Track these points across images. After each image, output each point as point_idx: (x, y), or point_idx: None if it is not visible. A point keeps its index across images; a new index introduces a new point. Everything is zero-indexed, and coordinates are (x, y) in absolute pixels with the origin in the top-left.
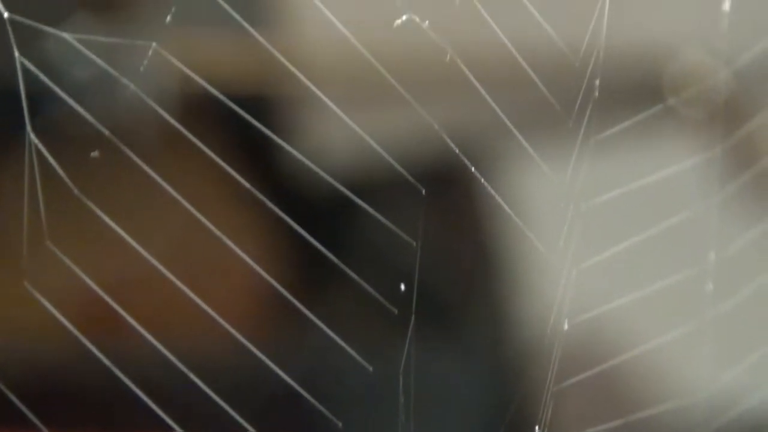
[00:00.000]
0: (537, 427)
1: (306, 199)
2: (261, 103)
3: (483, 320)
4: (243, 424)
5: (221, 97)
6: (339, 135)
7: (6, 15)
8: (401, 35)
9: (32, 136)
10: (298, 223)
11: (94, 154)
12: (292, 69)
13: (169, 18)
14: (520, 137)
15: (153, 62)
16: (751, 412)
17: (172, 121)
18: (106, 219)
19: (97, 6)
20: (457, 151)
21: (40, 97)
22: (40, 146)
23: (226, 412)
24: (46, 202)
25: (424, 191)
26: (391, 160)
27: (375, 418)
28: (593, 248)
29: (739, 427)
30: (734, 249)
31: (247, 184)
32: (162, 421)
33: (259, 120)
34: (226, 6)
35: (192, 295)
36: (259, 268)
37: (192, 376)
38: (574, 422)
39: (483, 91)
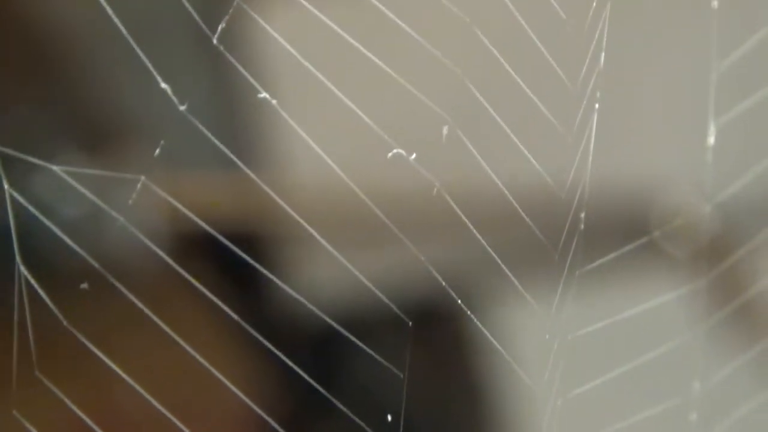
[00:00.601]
0: None
1: (294, 330)
2: (249, 237)
3: None
4: None
5: (210, 230)
6: (327, 268)
7: None
8: (389, 169)
9: (22, 267)
10: (286, 355)
11: (84, 285)
12: (281, 203)
13: (158, 152)
14: (506, 270)
15: (142, 196)
16: None
17: (161, 254)
18: (95, 350)
19: (87, 139)
20: (443, 283)
21: (29, 229)
22: (30, 278)
23: None
24: (36, 332)
25: (411, 323)
26: (378, 292)
27: None
28: (579, 378)
29: None
30: (718, 379)
31: (235, 317)
32: None
33: (247, 253)
34: (215, 141)
35: (182, 426)
36: (248, 400)
37: None
38: None
39: (469, 225)
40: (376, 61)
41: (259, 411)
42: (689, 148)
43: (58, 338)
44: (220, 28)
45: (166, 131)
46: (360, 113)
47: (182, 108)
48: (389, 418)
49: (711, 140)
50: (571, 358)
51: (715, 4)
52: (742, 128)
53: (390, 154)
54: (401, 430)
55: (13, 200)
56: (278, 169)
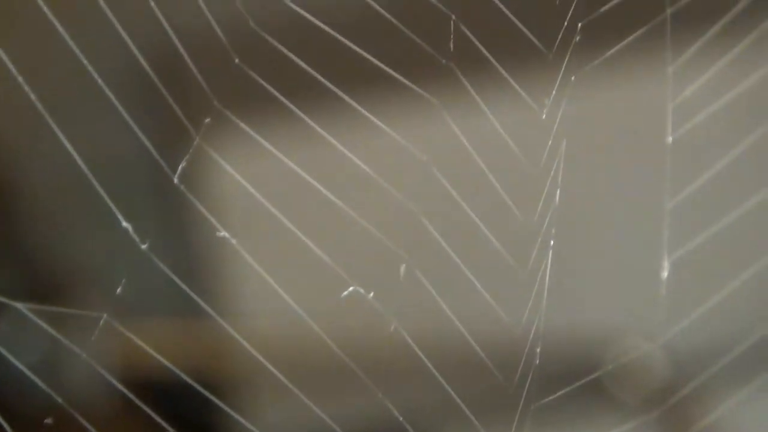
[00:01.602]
0: None
1: None
2: (209, 374)
3: None
4: None
5: (172, 367)
6: (287, 405)
7: None
8: (347, 306)
9: None
10: None
11: (48, 421)
12: (240, 340)
13: (120, 290)
14: (462, 406)
15: (104, 333)
16: None
17: (124, 390)
18: None
19: (50, 277)
20: (401, 419)
21: None
22: None
23: None
24: None
25: None
26: (337, 428)
27: None
28: None
29: None
30: None
31: None
32: None
33: (206, 390)
34: (176, 279)
35: None
36: None
37: None
38: None
39: (426, 361)
40: (334, 199)
41: None
42: (643, 282)
43: None
44: (180, 167)
45: (128, 269)
46: (319, 251)
47: (144, 246)
48: None
49: (664, 275)
50: None
51: (669, 140)
52: (695, 263)
53: (347, 292)
54: None
55: None
56: (238, 307)
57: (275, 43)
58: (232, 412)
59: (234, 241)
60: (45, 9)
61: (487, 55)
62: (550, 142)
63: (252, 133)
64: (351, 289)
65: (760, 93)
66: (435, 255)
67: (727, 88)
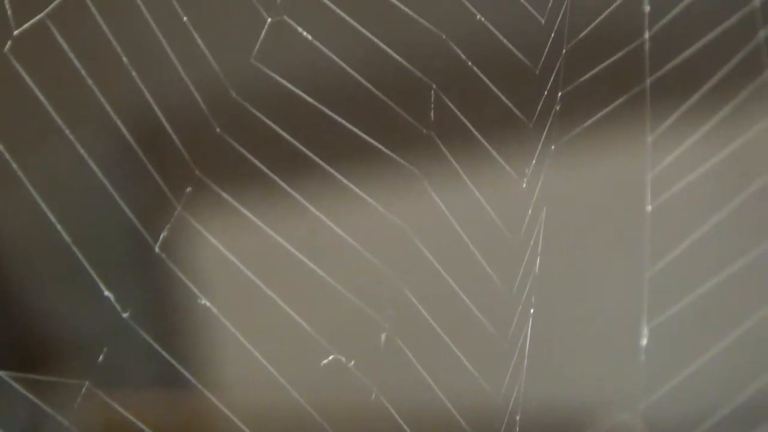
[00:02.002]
0: None
1: None
2: None
3: None
4: None
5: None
6: None
7: None
8: (328, 374)
9: None
10: None
11: None
12: (221, 407)
13: (101, 358)
14: None
15: (86, 400)
16: None
17: None
18: None
19: (32, 345)
20: None
21: None
22: None
23: None
24: None
25: None
26: None
27: None
28: None
29: None
30: None
31: None
32: None
33: None
34: (157, 347)
35: None
36: None
37: None
38: None
39: (407, 429)
40: (315, 268)
41: None
42: (623, 350)
43: None
44: (162, 236)
45: (109, 338)
46: (300, 320)
47: (125, 315)
48: None
49: (644, 342)
50: None
51: (648, 208)
52: (675, 331)
53: (327, 360)
54: None
55: None
56: (219, 375)
57: (256, 113)
58: None
59: (215, 310)
60: (27, 79)
61: (468, 125)
62: (530, 211)
63: (233, 202)
64: (332, 357)
65: (739, 162)
66: (416, 324)
67: (706, 157)
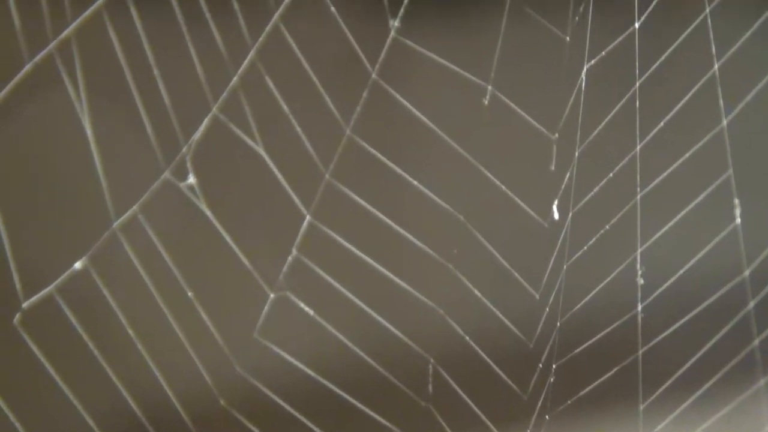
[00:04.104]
0: None
1: None
2: None
3: None
4: None
5: None
6: None
7: None
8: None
9: None
10: None
11: None
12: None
13: None
14: None
15: None
16: None
17: None
18: None
19: None
20: None
21: None
22: None
23: None
24: None
25: None
26: None
27: None
28: None
29: None
30: None
31: None
32: None
33: None
34: None
35: None
36: None
37: None
38: None
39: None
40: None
41: None
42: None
43: None
44: None
45: None
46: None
47: None
48: None
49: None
50: None
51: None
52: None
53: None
54: None
55: None
56: None
57: (260, 386)
58: None
59: None
60: (37, 352)
61: (465, 397)
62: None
63: None
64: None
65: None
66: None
67: (696, 425)
